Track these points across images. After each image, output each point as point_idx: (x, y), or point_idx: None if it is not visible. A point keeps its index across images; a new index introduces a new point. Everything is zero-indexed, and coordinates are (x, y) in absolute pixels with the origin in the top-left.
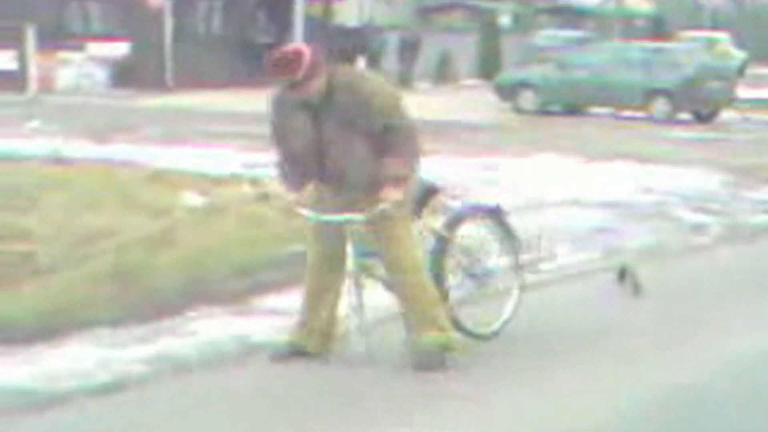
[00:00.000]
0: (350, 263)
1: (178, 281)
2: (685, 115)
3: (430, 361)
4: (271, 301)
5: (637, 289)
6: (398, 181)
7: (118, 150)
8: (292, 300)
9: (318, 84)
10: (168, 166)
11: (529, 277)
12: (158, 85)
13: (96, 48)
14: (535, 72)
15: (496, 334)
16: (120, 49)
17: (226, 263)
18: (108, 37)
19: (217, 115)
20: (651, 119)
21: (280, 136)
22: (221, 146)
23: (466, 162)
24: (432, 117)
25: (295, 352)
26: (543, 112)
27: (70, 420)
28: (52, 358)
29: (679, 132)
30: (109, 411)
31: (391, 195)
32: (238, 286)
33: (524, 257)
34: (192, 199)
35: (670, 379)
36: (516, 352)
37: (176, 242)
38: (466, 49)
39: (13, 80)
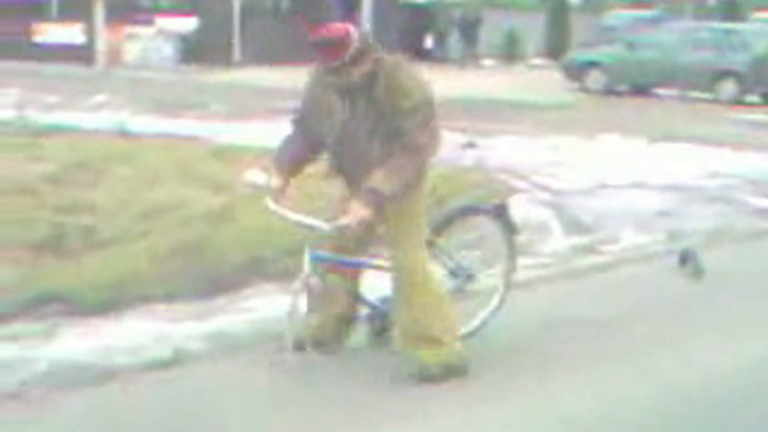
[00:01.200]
0: (306, 267)
1: (237, 258)
2: (753, 98)
3: (431, 376)
4: None
5: (698, 274)
6: (374, 198)
7: (184, 125)
8: None
9: (362, 70)
10: (233, 141)
11: (580, 262)
12: (226, 61)
13: (164, 23)
14: (603, 52)
15: (470, 334)
16: (188, 24)
17: (285, 241)
18: (177, 12)
19: (283, 92)
20: (718, 101)
21: (307, 115)
22: (287, 123)
23: (530, 142)
24: (497, 96)
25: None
26: (610, 92)
27: (122, 394)
28: (109, 332)
29: (746, 114)
30: (162, 386)
31: (358, 211)
32: (295, 264)
33: (518, 263)
34: (255, 175)
35: (718, 368)
36: (566, 334)
37: (236, 218)
38: (534, 28)
39: (81, 54)
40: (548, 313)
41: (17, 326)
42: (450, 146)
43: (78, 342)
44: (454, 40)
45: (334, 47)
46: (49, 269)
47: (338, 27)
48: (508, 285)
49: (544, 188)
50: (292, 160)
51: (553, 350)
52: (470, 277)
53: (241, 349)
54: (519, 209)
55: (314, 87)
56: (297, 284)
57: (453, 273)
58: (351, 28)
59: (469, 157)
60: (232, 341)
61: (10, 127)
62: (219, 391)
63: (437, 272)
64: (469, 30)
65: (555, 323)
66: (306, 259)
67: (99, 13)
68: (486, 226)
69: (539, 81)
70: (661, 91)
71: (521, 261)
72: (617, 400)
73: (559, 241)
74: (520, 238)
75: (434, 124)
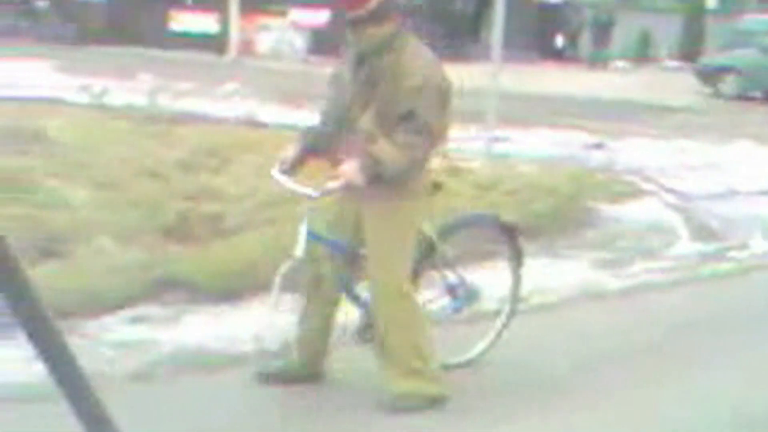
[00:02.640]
0: (299, 249)
1: None
2: None
3: (405, 405)
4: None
5: None
6: (371, 164)
7: (312, 117)
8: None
9: (379, 34)
10: None
11: (705, 269)
12: None
13: (297, 14)
14: (738, 56)
15: (468, 363)
16: (321, 16)
17: None
18: (310, 4)
19: None
20: None
21: (330, 92)
22: None
23: (659, 145)
24: (627, 97)
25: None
26: (743, 97)
27: (239, 381)
28: (234, 319)
29: None
30: None
31: (350, 172)
32: None
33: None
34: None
35: None
36: (697, 337)
37: None
38: (669, 30)
39: (214, 43)
40: (678, 315)
41: (143, 309)
42: (578, 146)
43: (202, 327)
44: (585, 40)
45: None
46: (175, 255)
47: None
48: (513, 313)
49: (673, 192)
50: (314, 134)
51: (689, 351)
52: (473, 295)
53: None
54: (647, 212)
55: (337, 81)
56: (285, 269)
57: (452, 290)
58: None
59: (596, 158)
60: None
61: (143, 113)
62: (336, 374)
63: (426, 295)
64: (602, 30)
65: (684, 326)
66: (301, 234)
67: (234, 3)
68: (494, 240)
69: (671, 84)
70: None
71: (647, 264)
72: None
73: (686, 245)
74: (649, 241)
75: (446, 112)
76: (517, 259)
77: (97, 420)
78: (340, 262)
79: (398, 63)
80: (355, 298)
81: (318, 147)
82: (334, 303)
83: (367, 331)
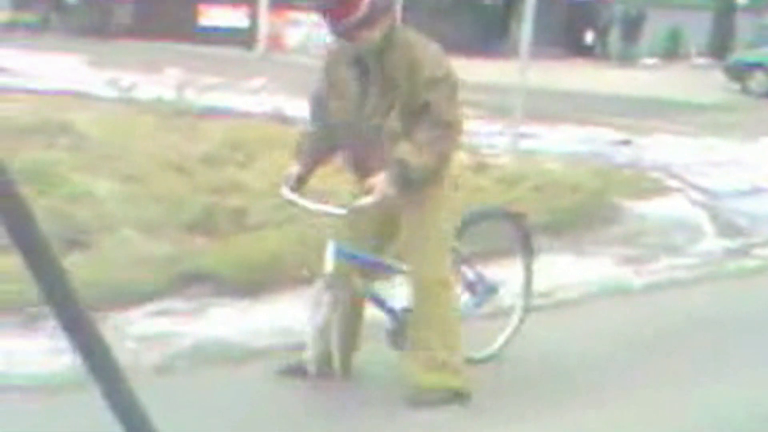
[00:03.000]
0: (328, 265)
1: None
2: None
3: (429, 399)
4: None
5: None
6: (401, 171)
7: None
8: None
9: (374, 36)
10: None
11: (730, 266)
12: None
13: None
14: (766, 53)
15: (490, 358)
16: None
17: None
18: None
19: None
20: None
21: (320, 107)
22: None
23: (686, 142)
24: (655, 95)
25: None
26: None
27: (262, 375)
28: (256, 313)
29: None
30: None
31: (382, 187)
32: None
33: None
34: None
35: None
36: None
37: None
38: (699, 27)
39: (243, 37)
40: (702, 312)
41: (167, 303)
42: (604, 143)
43: (225, 321)
44: (614, 36)
45: (341, 6)
46: (199, 249)
47: None
48: (527, 309)
49: (699, 188)
50: (313, 151)
51: (712, 349)
52: (491, 290)
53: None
54: (672, 209)
55: (329, 70)
56: (319, 286)
57: (472, 286)
58: None
59: (623, 154)
60: (377, 328)
61: (170, 107)
62: (359, 368)
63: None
64: (632, 27)
65: (707, 323)
66: (329, 254)
67: None
68: (504, 234)
69: (700, 81)
70: None
71: (673, 260)
72: None
73: (711, 242)
74: (674, 238)
75: (458, 104)
76: (527, 250)
77: (129, 410)
78: (368, 273)
79: (412, 57)
80: (381, 304)
81: (322, 155)
82: (361, 304)
83: (398, 338)
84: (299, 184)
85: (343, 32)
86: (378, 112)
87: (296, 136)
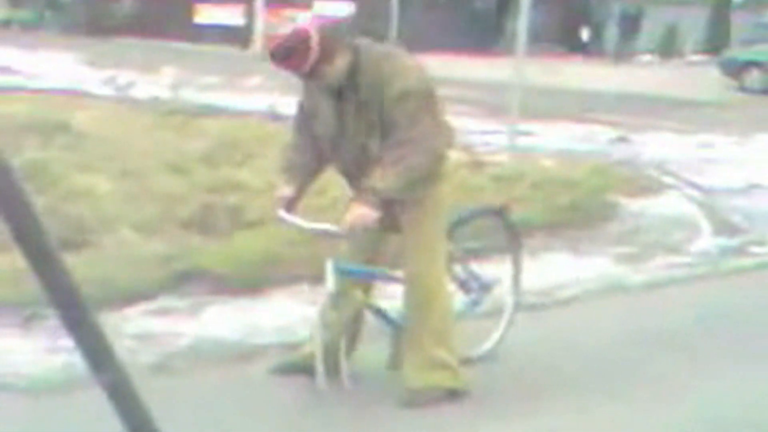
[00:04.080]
0: (330, 283)
1: None
2: None
3: (423, 400)
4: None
5: None
6: (370, 197)
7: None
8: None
9: (337, 68)
10: None
11: (727, 264)
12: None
13: (322, 7)
14: (763, 50)
15: (485, 356)
16: (345, 9)
17: None
18: None
19: (443, 81)
20: None
21: (306, 120)
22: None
23: (682, 139)
24: (651, 92)
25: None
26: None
27: (259, 373)
28: (254, 311)
29: None
30: None
31: (356, 214)
32: None
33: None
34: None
35: None
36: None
37: None
38: (695, 24)
39: (239, 36)
40: (700, 310)
41: (164, 301)
42: (601, 140)
43: (222, 319)
44: (610, 33)
45: (293, 56)
46: (197, 247)
47: (296, 31)
48: (516, 305)
49: (695, 186)
50: (304, 168)
51: (710, 346)
52: (485, 288)
53: (382, 333)
54: (669, 206)
55: (307, 94)
56: (324, 306)
57: (465, 285)
58: (310, 30)
59: (619, 152)
60: (377, 328)
61: (167, 106)
62: (356, 368)
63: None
64: (629, 24)
65: (705, 321)
66: (329, 272)
67: None
68: (491, 230)
69: (696, 78)
70: None
71: (668, 258)
72: None
73: (708, 239)
74: (671, 236)
75: (436, 114)
76: (514, 244)
77: (133, 409)
78: (368, 287)
79: (380, 75)
80: (383, 316)
81: (312, 173)
82: (361, 306)
83: (395, 359)
84: (293, 204)
85: (307, 75)
86: (359, 133)
87: (283, 151)
